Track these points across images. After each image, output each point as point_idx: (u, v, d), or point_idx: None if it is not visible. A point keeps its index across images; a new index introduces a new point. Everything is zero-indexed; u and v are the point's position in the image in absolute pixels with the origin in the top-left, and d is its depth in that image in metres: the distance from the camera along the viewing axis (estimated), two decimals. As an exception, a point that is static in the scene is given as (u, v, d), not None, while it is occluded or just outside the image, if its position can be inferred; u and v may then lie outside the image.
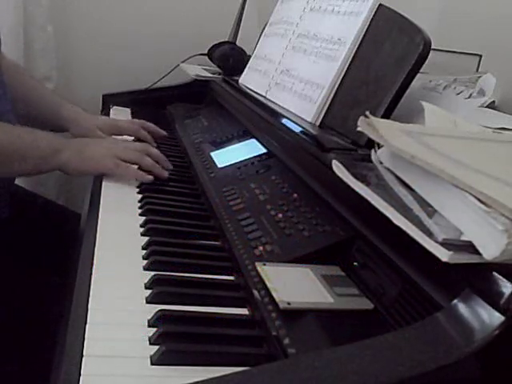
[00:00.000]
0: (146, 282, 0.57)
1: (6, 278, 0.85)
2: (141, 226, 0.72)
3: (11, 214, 0.97)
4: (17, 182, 1.09)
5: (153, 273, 0.59)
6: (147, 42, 1.59)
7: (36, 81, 1.16)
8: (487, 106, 0.80)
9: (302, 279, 0.55)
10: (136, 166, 0.87)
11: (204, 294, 0.57)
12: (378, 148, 0.51)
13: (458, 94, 0.76)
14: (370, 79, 0.74)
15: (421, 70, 0.68)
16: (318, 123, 0.81)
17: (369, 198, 0.46)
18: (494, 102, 0.83)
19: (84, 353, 0.45)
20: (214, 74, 1.37)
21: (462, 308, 0.38)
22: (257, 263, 0.58)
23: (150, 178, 0.86)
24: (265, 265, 0.57)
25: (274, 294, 0.52)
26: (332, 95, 0.80)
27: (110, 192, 0.82)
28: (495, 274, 0.37)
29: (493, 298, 0.37)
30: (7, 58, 1.07)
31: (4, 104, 0.93)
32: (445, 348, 0.36)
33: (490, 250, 0.36)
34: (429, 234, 0.40)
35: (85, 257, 0.61)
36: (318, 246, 0.60)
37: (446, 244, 0.38)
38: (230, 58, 1.32)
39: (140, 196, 0.82)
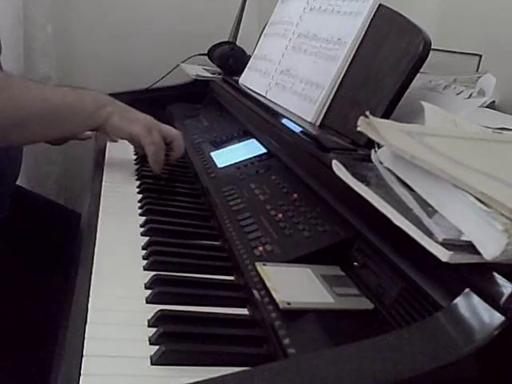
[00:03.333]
0: (145, 282, 0.57)
1: (6, 277, 0.85)
2: (141, 226, 0.72)
3: (11, 214, 0.97)
4: (17, 181, 1.09)
5: (153, 273, 0.59)
6: (147, 41, 1.59)
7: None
8: (487, 106, 0.81)
9: (302, 279, 0.55)
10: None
11: (204, 294, 0.57)
12: (378, 148, 0.51)
13: (458, 94, 0.76)
14: (370, 79, 0.74)
15: (421, 70, 0.68)
16: (318, 123, 0.81)
17: (369, 198, 0.46)
18: (493, 102, 0.83)
19: (84, 353, 0.44)
20: (213, 74, 1.37)
21: (462, 308, 0.38)
22: (257, 263, 0.58)
23: (159, 172, 0.87)
24: (265, 265, 0.57)
25: (274, 294, 0.52)
26: (332, 95, 0.80)
27: (110, 192, 0.82)
28: (495, 274, 0.37)
29: (493, 297, 0.37)
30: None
31: None
32: (445, 348, 0.36)
33: (490, 250, 0.36)
34: (429, 234, 0.40)
35: (85, 257, 0.61)
36: (318, 246, 0.60)
37: (445, 244, 0.38)
38: (230, 57, 1.32)
39: (140, 196, 0.82)
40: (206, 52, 1.37)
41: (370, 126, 0.48)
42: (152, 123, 0.89)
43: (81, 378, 0.42)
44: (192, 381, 0.34)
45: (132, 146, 1.04)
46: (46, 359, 0.52)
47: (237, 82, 1.16)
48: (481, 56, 0.91)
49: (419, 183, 0.44)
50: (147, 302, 0.54)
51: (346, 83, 0.79)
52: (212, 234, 0.73)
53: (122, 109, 0.88)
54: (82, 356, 0.44)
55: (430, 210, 0.42)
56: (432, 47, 0.67)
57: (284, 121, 0.81)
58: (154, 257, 0.62)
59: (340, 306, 0.51)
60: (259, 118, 0.90)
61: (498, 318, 0.36)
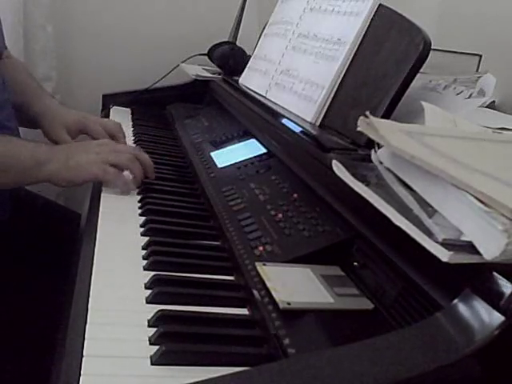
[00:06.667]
0: (145, 282, 0.57)
1: (6, 278, 0.85)
2: (141, 226, 0.72)
3: (12, 214, 0.97)
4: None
5: (153, 273, 0.59)
6: (147, 41, 1.59)
7: (26, 72, 1.11)
8: (487, 106, 0.81)
9: (302, 279, 0.55)
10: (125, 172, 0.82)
11: (204, 294, 0.57)
12: (378, 148, 0.51)
13: (458, 94, 0.76)
14: (370, 79, 0.74)
15: (421, 70, 0.68)
16: (318, 123, 0.81)
17: (369, 198, 0.46)
18: (493, 102, 0.83)
19: (84, 353, 0.45)
20: (214, 74, 1.37)
21: (462, 308, 0.38)
22: (257, 263, 0.58)
23: (134, 190, 0.82)
24: (265, 265, 0.57)
25: (274, 294, 0.52)
26: (332, 95, 0.80)
27: (109, 192, 0.82)
28: (495, 274, 0.37)
29: (493, 298, 0.37)
30: (10, 55, 1.07)
31: (2, 95, 0.92)
32: (445, 348, 0.36)
33: (490, 250, 0.36)
34: (429, 234, 0.40)
35: (85, 257, 0.61)
36: (318, 246, 0.60)
37: (445, 244, 0.38)
38: (230, 58, 1.32)
39: (140, 196, 0.82)
40: (206, 52, 1.37)
41: (370, 125, 0.48)
42: (104, 155, 0.81)
43: (81, 378, 0.42)
44: (192, 381, 0.34)
45: (132, 143, 1.04)
46: (46, 359, 0.52)
47: (237, 82, 1.16)
48: (481, 56, 0.91)
49: (419, 183, 0.44)
50: (147, 302, 0.54)
51: (346, 83, 0.79)
52: (212, 234, 0.73)
53: (65, 158, 0.79)
54: (82, 356, 0.44)
55: (430, 210, 0.42)
56: (432, 47, 0.67)
57: (284, 121, 0.81)
58: (154, 257, 0.62)
59: (340, 305, 0.51)
60: (259, 118, 0.90)
61: (497, 317, 0.36)
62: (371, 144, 0.52)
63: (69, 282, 0.58)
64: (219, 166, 0.91)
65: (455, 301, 0.39)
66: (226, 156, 0.94)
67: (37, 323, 0.82)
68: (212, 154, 0.97)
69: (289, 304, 0.50)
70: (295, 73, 0.91)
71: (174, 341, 0.48)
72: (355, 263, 0.57)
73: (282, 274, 0.56)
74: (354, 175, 0.49)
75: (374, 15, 0.78)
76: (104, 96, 1.40)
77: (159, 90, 1.43)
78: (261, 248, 0.62)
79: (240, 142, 0.97)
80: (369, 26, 0.78)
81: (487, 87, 0.74)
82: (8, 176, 0.77)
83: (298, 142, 0.74)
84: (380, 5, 0.78)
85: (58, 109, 1.04)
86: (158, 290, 0.55)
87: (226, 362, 0.47)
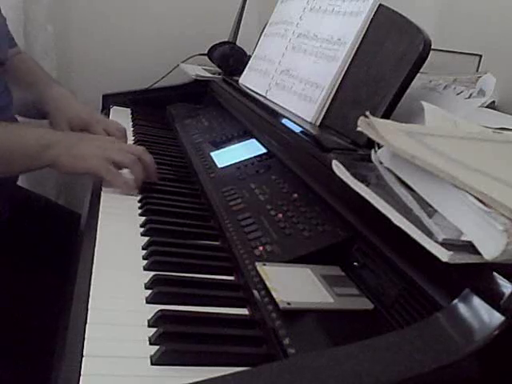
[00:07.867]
0: (146, 281, 0.57)
1: (6, 277, 0.85)
2: (141, 226, 0.72)
3: (11, 215, 0.97)
4: (17, 182, 1.09)
5: (153, 273, 0.59)
6: (147, 41, 1.59)
7: (37, 65, 1.14)
8: (487, 106, 0.80)
9: (302, 279, 0.55)
10: (126, 171, 0.82)
11: (204, 294, 0.57)
12: (378, 148, 0.51)
13: (458, 94, 0.76)
14: (370, 79, 0.74)
15: (421, 70, 0.68)
16: (317, 123, 0.81)
17: (369, 198, 0.46)
18: (493, 102, 0.83)
19: (84, 353, 0.44)
20: (214, 74, 1.37)
21: (462, 308, 0.38)
22: (257, 263, 0.58)
23: (135, 192, 0.81)
24: (265, 265, 0.57)
25: (274, 294, 0.52)
26: (332, 95, 0.80)
27: (110, 192, 0.81)
28: (495, 274, 0.37)
29: (493, 297, 0.37)
30: (20, 51, 1.08)
31: (5, 98, 0.92)
32: (445, 348, 0.36)
33: (490, 249, 0.36)
34: (429, 234, 0.40)
35: (85, 257, 0.61)
36: (318, 246, 0.60)
37: (446, 244, 0.38)
38: (230, 58, 1.32)
39: (140, 196, 0.82)
40: (205, 52, 1.37)
41: (370, 125, 0.48)
42: (108, 152, 0.80)
43: (81, 378, 0.42)
44: (192, 381, 0.34)
45: (131, 141, 1.04)
46: (45, 359, 0.52)
47: (237, 82, 1.16)
48: (481, 56, 0.91)
49: (419, 183, 0.44)
50: (147, 302, 0.54)
51: (346, 83, 0.79)
52: (212, 233, 0.73)
53: (70, 146, 0.79)
54: (82, 356, 0.44)
55: (430, 210, 0.42)
56: (432, 47, 0.67)
57: (284, 121, 0.81)
58: (154, 257, 0.62)
59: (340, 306, 0.51)
60: (259, 118, 0.90)
61: (497, 318, 0.36)
62: (371, 144, 0.52)
63: (69, 281, 0.58)
64: (219, 165, 0.91)
65: (455, 301, 0.39)
66: (226, 156, 0.94)
67: (36, 323, 0.82)
68: (212, 153, 0.97)
69: (289, 304, 0.50)
70: (295, 73, 0.91)
71: (174, 341, 0.48)
72: (355, 263, 0.57)
73: (281, 274, 0.56)
74: (354, 175, 0.49)
75: (374, 15, 0.78)
76: (104, 96, 1.40)
77: (159, 90, 1.43)
78: (261, 248, 0.62)
79: (240, 142, 0.97)
80: (369, 26, 0.78)
81: (487, 87, 0.75)
82: (14, 161, 0.78)
83: (298, 142, 0.74)
84: (380, 5, 0.78)
85: (65, 101, 1.04)
86: (158, 290, 0.55)
87: (226, 362, 0.47)
